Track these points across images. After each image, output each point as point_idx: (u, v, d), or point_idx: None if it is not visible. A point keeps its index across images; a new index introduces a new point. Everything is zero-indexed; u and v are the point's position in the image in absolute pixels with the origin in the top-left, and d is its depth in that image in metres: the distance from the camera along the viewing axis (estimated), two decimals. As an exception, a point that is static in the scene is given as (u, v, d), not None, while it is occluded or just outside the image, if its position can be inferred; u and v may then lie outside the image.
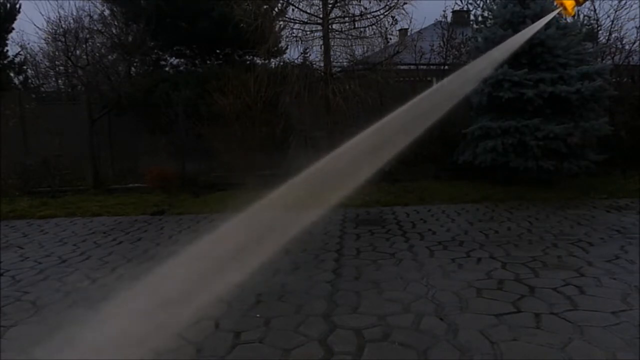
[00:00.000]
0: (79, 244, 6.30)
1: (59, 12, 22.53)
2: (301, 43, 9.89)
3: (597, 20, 11.93)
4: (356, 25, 9.57)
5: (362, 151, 1.98)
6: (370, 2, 9.38)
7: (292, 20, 9.74)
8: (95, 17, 11.89)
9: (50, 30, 12.08)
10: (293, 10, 9.76)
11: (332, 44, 9.64)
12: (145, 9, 11.51)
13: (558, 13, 3.72)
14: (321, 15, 9.40)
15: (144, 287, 1.77)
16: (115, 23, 11.99)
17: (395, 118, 2.10)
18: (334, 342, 3.17)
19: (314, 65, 10.00)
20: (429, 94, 2.27)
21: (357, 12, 9.50)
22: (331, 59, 9.62)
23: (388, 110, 2.19)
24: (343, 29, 9.71)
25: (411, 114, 2.12)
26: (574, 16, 10.44)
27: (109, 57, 11.83)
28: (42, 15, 28.55)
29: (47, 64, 13.89)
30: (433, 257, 5.12)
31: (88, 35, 11.52)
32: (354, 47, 9.81)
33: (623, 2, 11.77)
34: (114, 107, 11.10)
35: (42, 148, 10.83)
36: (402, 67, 11.28)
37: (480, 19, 11.06)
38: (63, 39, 11.36)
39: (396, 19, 9.55)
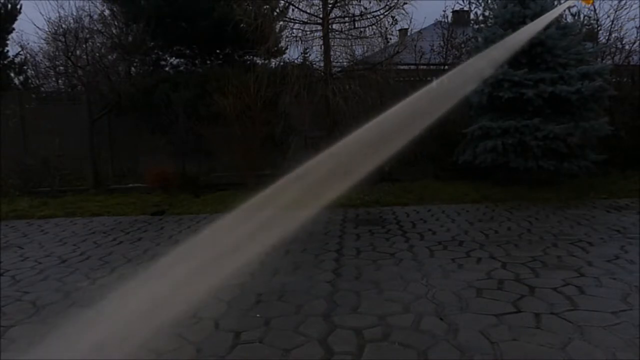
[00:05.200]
0: (79, 244, 6.30)
1: (59, 12, 22.46)
2: (301, 43, 9.89)
3: (597, 20, 11.94)
4: (356, 25, 9.57)
5: (361, 149, 1.97)
6: (370, 2, 9.37)
7: (292, 20, 9.74)
8: (95, 17, 11.88)
9: (50, 30, 12.09)
10: (293, 10, 9.77)
11: (332, 44, 9.63)
12: (145, 9, 11.50)
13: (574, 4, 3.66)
14: (321, 15, 9.39)
15: (143, 287, 1.77)
16: (115, 23, 11.98)
17: (395, 115, 2.08)
18: (334, 342, 3.17)
19: (314, 65, 9.99)
20: (446, 86, 2.22)
21: (357, 12, 9.49)
22: (331, 59, 9.61)
23: (388, 110, 2.18)
24: (343, 29, 9.70)
25: (414, 110, 2.10)
26: (576, 15, 10.49)
27: (109, 57, 11.80)
28: (42, 15, 28.54)
29: (47, 64, 13.86)
30: (433, 257, 5.13)
31: (88, 35, 11.50)
32: (354, 47, 9.80)
33: (623, 2, 11.79)
34: (114, 107, 11.09)
35: (42, 148, 10.82)
36: (402, 67, 11.26)
37: (480, 18, 11.07)
38: (63, 39, 11.34)
39: (396, 19, 9.54)
